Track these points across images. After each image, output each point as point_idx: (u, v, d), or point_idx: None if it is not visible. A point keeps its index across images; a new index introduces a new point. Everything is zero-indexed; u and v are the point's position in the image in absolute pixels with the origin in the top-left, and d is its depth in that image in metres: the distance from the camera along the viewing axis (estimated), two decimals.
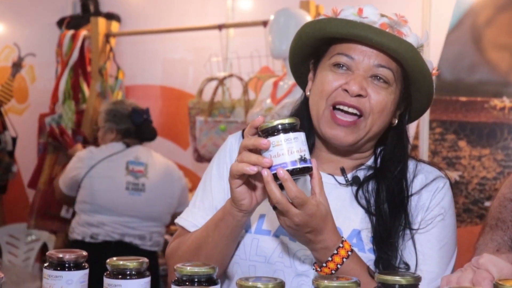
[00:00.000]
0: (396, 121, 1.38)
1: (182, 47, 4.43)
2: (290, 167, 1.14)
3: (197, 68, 4.23)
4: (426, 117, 3.61)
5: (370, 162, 1.41)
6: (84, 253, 1.19)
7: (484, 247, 1.39)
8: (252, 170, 1.15)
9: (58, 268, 1.16)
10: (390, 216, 1.33)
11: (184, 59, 4.46)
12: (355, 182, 1.38)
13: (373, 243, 1.32)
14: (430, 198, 1.36)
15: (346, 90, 1.30)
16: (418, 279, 1.02)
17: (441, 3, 3.59)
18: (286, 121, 1.16)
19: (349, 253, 1.21)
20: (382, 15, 1.31)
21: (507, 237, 1.40)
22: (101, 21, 4.24)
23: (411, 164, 1.40)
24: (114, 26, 4.34)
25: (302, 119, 1.35)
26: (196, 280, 1.07)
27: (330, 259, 1.21)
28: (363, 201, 1.36)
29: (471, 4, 3.54)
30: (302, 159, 1.14)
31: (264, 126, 1.17)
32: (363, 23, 1.29)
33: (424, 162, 1.43)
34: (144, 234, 3.33)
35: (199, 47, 4.25)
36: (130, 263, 1.11)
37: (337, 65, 1.32)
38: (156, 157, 3.49)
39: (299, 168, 1.15)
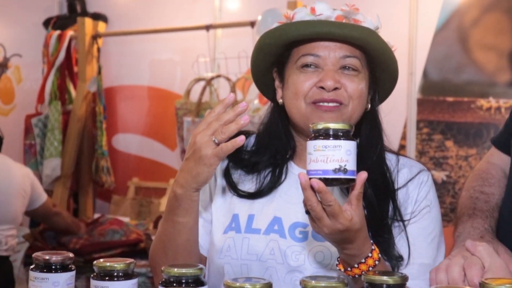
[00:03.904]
0: (369, 106, 1.42)
1: (169, 48, 4.42)
2: (323, 176, 1.11)
3: (184, 69, 4.22)
4: (413, 117, 3.63)
5: None
6: (71, 254, 1.19)
7: (466, 234, 1.40)
8: (242, 140, 1.19)
9: (45, 270, 1.16)
10: (376, 199, 1.36)
11: (171, 59, 4.45)
12: None
13: (368, 231, 1.34)
14: (417, 191, 1.41)
15: (322, 88, 1.33)
16: (405, 278, 1.03)
17: (428, 4, 3.61)
18: (330, 126, 1.12)
19: (376, 262, 1.22)
20: (334, 8, 1.35)
21: (487, 225, 1.43)
22: (88, 22, 4.23)
23: (392, 158, 1.45)
24: (101, 27, 4.32)
25: (277, 127, 1.40)
26: (183, 281, 1.07)
27: (356, 266, 1.22)
28: None
29: (458, 5, 3.56)
30: (341, 170, 1.10)
31: (311, 128, 1.15)
32: (321, 20, 1.32)
33: (403, 156, 1.48)
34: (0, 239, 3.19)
35: (186, 48, 4.25)
36: (117, 264, 1.11)
37: (305, 66, 1.35)
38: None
39: (332, 178, 1.11)
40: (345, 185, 1.14)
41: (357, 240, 1.18)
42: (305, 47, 1.35)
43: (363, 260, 1.21)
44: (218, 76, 3.75)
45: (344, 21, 1.32)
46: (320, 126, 1.12)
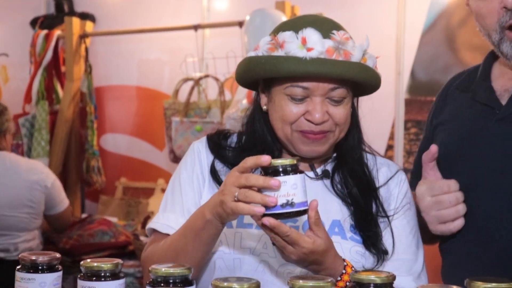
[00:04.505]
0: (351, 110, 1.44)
1: (157, 48, 4.41)
2: (272, 211, 1.16)
3: (172, 69, 4.21)
4: (401, 117, 3.64)
5: (336, 154, 1.49)
6: (58, 255, 1.18)
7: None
8: (260, 212, 1.17)
9: (31, 271, 1.15)
10: (361, 197, 1.41)
11: (159, 59, 4.44)
12: (325, 175, 1.45)
13: (355, 228, 1.40)
14: (398, 188, 1.47)
15: (309, 120, 1.34)
16: (392, 277, 1.03)
17: (415, 5, 3.63)
18: (276, 163, 1.16)
19: None
20: (325, 36, 1.32)
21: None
22: (75, 21, 4.20)
23: (370, 157, 1.49)
24: (89, 26, 4.30)
25: (262, 131, 1.43)
26: (171, 281, 1.06)
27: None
28: (338, 192, 1.43)
29: (445, 5, 3.58)
30: (288, 204, 1.15)
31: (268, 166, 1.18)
32: (313, 59, 1.30)
33: (379, 155, 1.52)
34: (7, 247, 3.10)
35: (174, 48, 4.24)
36: (105, 264, 1.11)
37: (293, 96, 1.35)
38: (8, 161, 3.18)
39: (281, 213, 1.16)
40: (298, 217, 1.19)
41: (327, 260, 1.24)
42: (293, 77, 1.34)
43: (339, 278, 1.26)
44: (206, 76, 3.75)
45: (334, 54, 1.31)
46: (263, 168, 1.18)
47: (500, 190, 1.43)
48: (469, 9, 1.54)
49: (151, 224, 1.46)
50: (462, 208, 1.42)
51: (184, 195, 1.45)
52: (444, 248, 1.55)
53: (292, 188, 1.15)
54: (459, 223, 1.43)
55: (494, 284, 0.99)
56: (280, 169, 1.16)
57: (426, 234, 1.49)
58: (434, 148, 1.45)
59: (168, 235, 1.41)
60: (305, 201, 1.17)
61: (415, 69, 3.63)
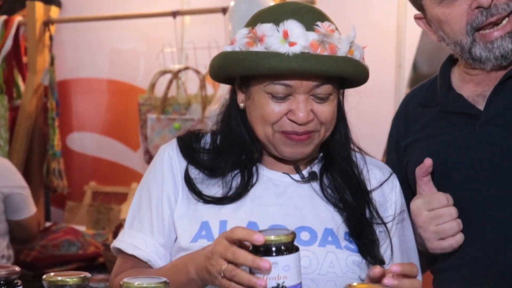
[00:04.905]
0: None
1: (131, 36, 4.41)
2: None
3: (148, 60, 4.21)
4: None
5: (322, 154, 1.49)
6: (17, 268, 1.17)
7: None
8: None
9: None
10: (355, 200, 1.42)
11: (133, 49, 4.44)
12: (313, 177, 1.45)
13: (350, 236, 1.40)
14: (394, 194, 1.49)
15: (293, 120, 1.35)
16: None
17: None
18: (269, 240, 1.14)
19: None
20: (308, 29, 1.32)
21: None
22: (39, 6, 4.18)
23: (358, 156, 1.50)
24: (54, 12, 4.29)
25: (239, 130, 1.43)
26: None
27: None
28: (329, 197, 1.44)
29: None
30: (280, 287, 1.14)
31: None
32: (296, 54, 1.30)
33: (367, 154, 1.52)
34: None
35: (150, 37, 4.24)
36: (70, 278, 1.10)
37: (275, 95, 1.35)
38: None
39: None
40: None
41: None
42: (275, 74, 1.34)
43: None
44: (186, 68, 3.75)
45: (319, 48, 1.31)
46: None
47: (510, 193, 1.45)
48: (421, 24, 1.62)
49: (116, 243, 1.46)
50: (460, 222, 1.45)
51: (153, 211, 1.44)
52: (444, 267, 1.55)
53: (284, 270, 1.13)
54: (461, 238, 1.45)
55: None
56: (273, 249, 1.14)
57: (422, 260, 1.52)
58: (428, 161, 1.47)
59: (135, 256, 1.42)
60: (299, 283, 1.16)
61: (417, 61, 3.64)
